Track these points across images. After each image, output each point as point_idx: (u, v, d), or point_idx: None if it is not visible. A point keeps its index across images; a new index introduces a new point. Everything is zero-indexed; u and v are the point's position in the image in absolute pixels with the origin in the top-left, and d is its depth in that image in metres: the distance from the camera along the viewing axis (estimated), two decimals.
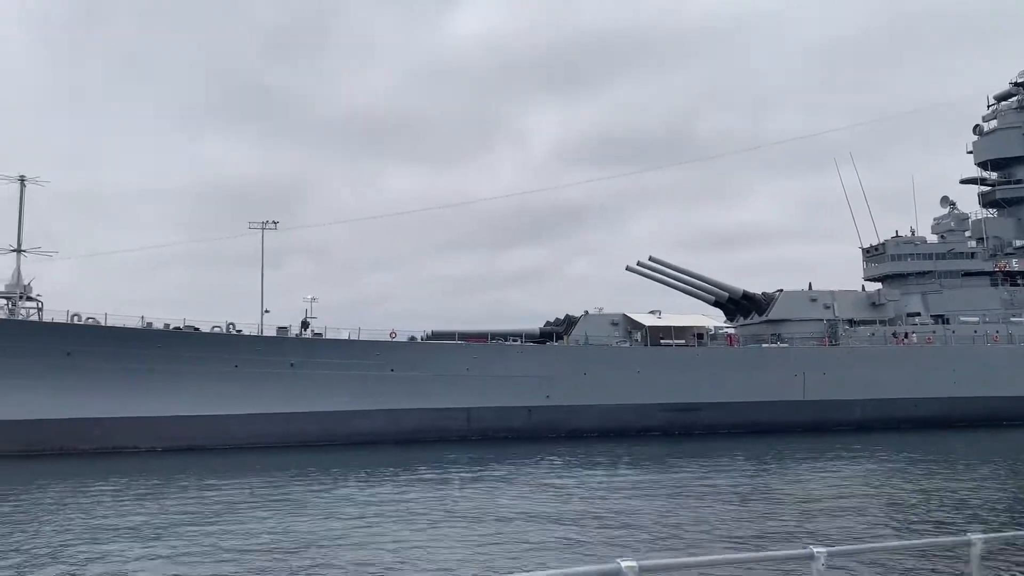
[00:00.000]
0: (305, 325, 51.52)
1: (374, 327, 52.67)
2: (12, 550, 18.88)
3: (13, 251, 48.70)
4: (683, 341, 56.01)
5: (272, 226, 59.05)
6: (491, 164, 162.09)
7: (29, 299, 48.45)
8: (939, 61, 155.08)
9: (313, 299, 55.43)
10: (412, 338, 53.02)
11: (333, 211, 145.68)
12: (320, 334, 51.65)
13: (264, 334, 50.66)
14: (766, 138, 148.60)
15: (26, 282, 48.87)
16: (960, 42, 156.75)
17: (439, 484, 30.84)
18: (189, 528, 21.60)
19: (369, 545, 19.02)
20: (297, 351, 49.50)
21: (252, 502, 26.32)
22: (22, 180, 49.41)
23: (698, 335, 57.21)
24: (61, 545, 19.54)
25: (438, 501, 25.85)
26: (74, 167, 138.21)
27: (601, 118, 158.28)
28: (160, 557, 18.20)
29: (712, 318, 61.18)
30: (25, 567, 17.27)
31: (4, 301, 47.97)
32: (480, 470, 35.76)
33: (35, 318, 47.98)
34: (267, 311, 54.42)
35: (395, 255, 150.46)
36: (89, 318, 47.14)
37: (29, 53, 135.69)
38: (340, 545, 18.95)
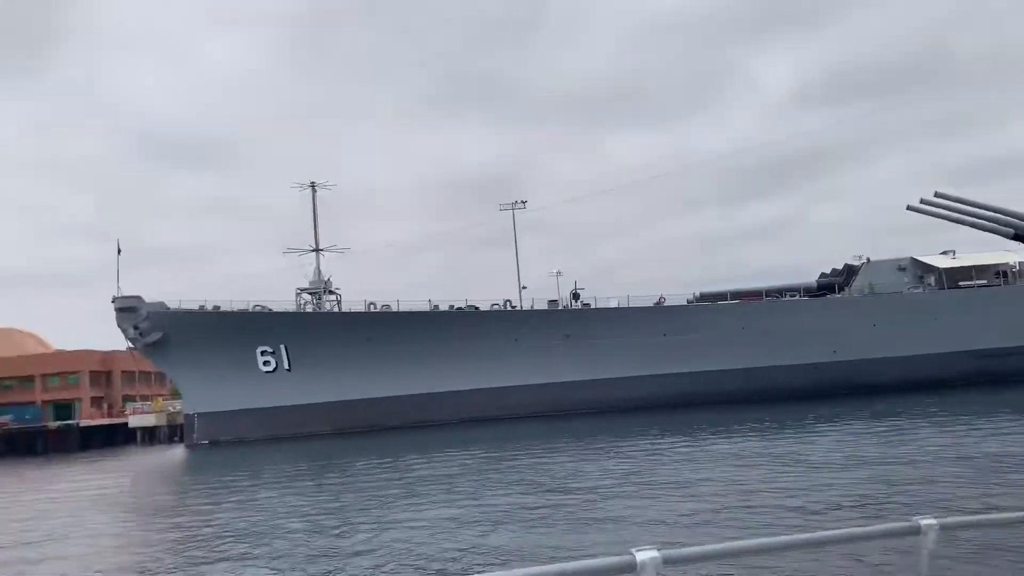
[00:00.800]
0: (576, 296, 52.52)
1: (615, 294, 52.77)
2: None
3: (313, 251, 54.15)
4: (984, 281, 50.50)
5: (521, 206, 60.89)
6: (722, 115, 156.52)
7: (330, 292, 53.65)
8: None
9: (559, 272, 56.46)
10: (658, 302, 52.02)
11: (560, 185, 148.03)
12: (588, 305, 52.38)
13: (534, 308, 52.35)
14: None
15: (325, 278, 54.20)
16: None
17: (802, 437, 29.37)
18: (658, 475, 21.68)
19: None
20: (572, 322, 50.57)
21: (644, 456, 26.17)
22: (313, 186, 54.57)
23: (1002, 273, 51.27)
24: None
25: (829, 452, 24.57)
26: (323, 167, 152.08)
27: (837, 52, 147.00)
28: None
29: (1015, 253, 54.55)
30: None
31: (309, 296, 53.47)
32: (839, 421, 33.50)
33: (336, 309, 53.01)
34: (524, 287, 56.22)
35: (627, 220, 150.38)
36: (384, 305, 51.12)
37: (264, 63, 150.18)
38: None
